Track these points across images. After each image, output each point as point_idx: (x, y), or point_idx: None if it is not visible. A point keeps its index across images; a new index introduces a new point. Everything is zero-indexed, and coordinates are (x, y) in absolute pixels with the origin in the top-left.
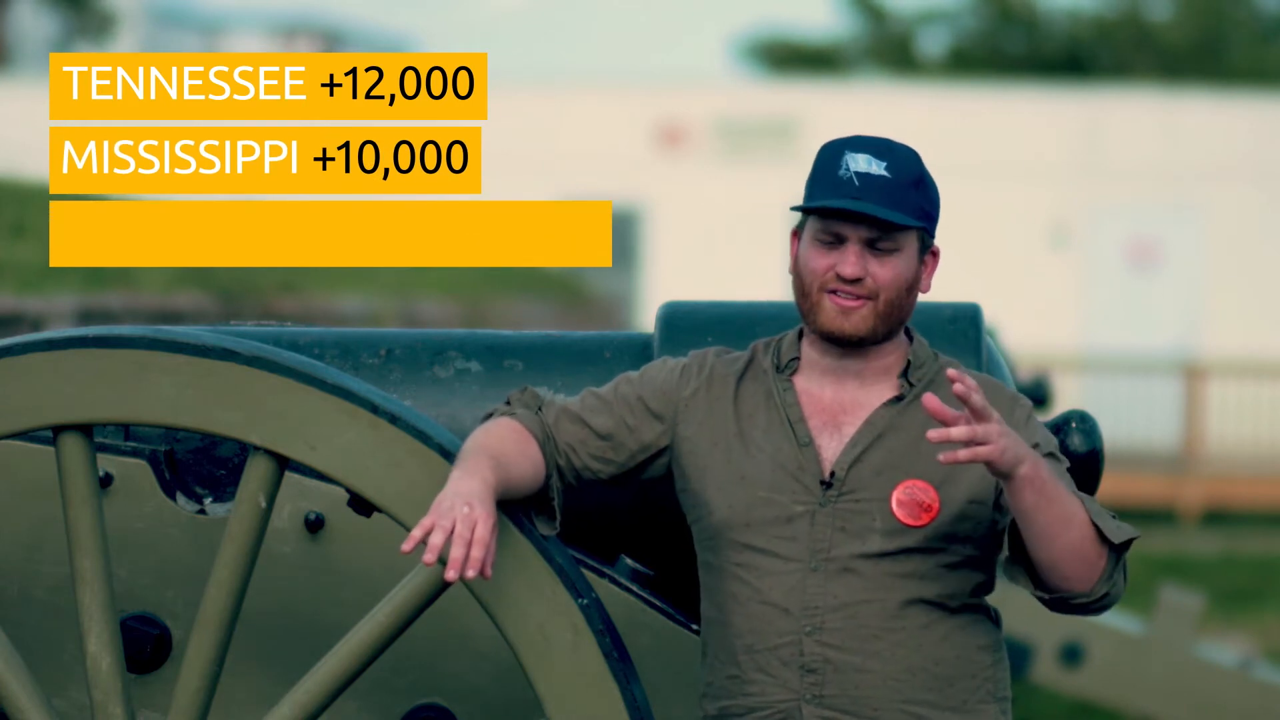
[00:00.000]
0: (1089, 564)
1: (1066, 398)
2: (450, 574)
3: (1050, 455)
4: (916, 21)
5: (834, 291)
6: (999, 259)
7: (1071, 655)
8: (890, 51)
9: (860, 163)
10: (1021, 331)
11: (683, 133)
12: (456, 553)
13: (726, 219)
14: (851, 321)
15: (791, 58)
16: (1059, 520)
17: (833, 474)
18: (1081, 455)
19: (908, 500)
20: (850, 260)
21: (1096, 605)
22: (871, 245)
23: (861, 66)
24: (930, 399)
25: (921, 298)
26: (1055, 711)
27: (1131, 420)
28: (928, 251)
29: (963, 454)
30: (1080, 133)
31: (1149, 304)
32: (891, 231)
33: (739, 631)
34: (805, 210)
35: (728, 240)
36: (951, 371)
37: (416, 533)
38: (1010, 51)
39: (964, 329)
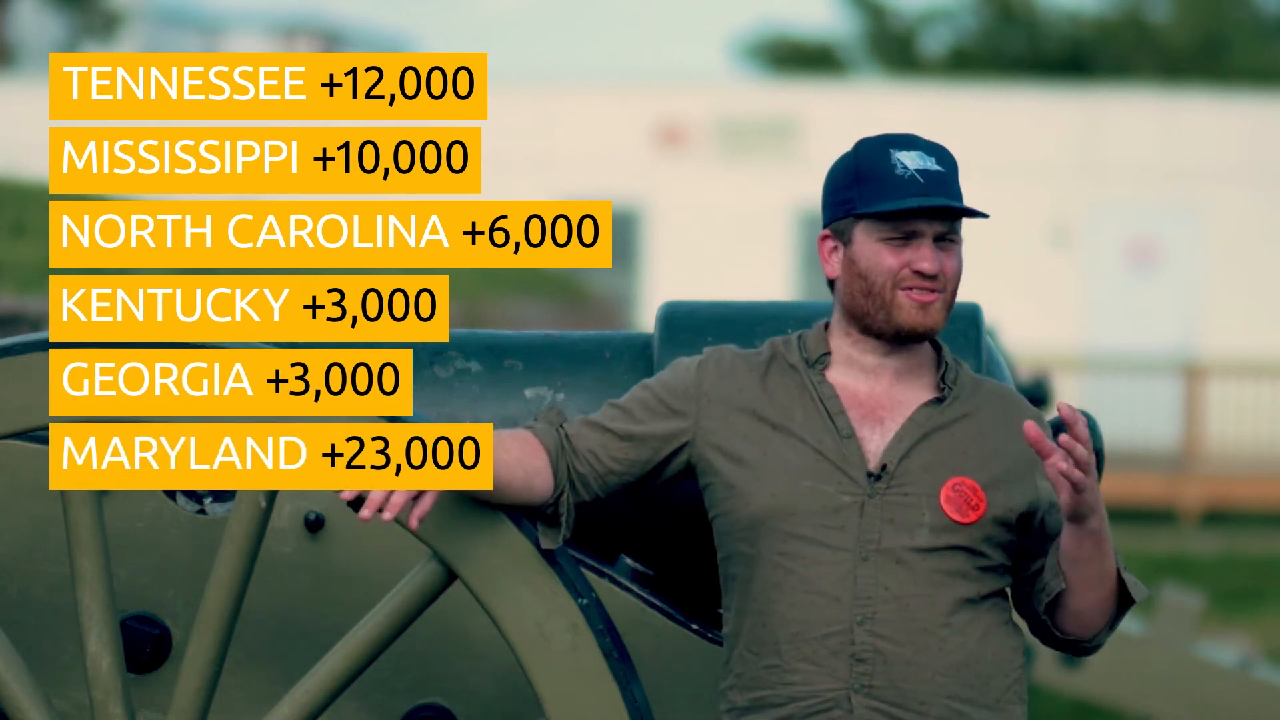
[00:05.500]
0: (1105, 614)
1: (1066, 398)
2: (365, 512)
3: None
4: (917, 21)
5: (909, 288)
6: (999, 259)
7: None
8: (890, 51)
9: (913, 160)
10: (1021, 331)
11: (683, 132)
12: (376, 495)
13: (726, 219)
14: (930, 315)
15: (791, 57)
16: (1101, 574)
17: (884, 466)
18: None
19: (956, 497)
20: (928, 255)
21: (1090, 648)
22: (938, 239)
23: (862, 66)
24: (1031, 428)
25: None
26: (1055, 711)
27: (1131, 420)
28: None
29: (1063, 465)
30: (1080, 133)
31: (1149, 304)
32: (958, 224)
33: (783, 620)
34: (889, 214)
35: (728, 240)
36: (1065, 410)
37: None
38: (1010, 51)
39: (964, 329)
